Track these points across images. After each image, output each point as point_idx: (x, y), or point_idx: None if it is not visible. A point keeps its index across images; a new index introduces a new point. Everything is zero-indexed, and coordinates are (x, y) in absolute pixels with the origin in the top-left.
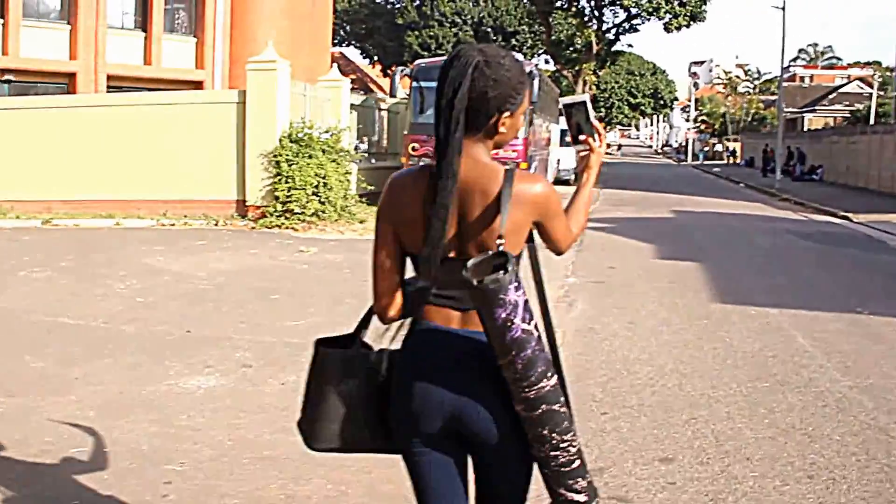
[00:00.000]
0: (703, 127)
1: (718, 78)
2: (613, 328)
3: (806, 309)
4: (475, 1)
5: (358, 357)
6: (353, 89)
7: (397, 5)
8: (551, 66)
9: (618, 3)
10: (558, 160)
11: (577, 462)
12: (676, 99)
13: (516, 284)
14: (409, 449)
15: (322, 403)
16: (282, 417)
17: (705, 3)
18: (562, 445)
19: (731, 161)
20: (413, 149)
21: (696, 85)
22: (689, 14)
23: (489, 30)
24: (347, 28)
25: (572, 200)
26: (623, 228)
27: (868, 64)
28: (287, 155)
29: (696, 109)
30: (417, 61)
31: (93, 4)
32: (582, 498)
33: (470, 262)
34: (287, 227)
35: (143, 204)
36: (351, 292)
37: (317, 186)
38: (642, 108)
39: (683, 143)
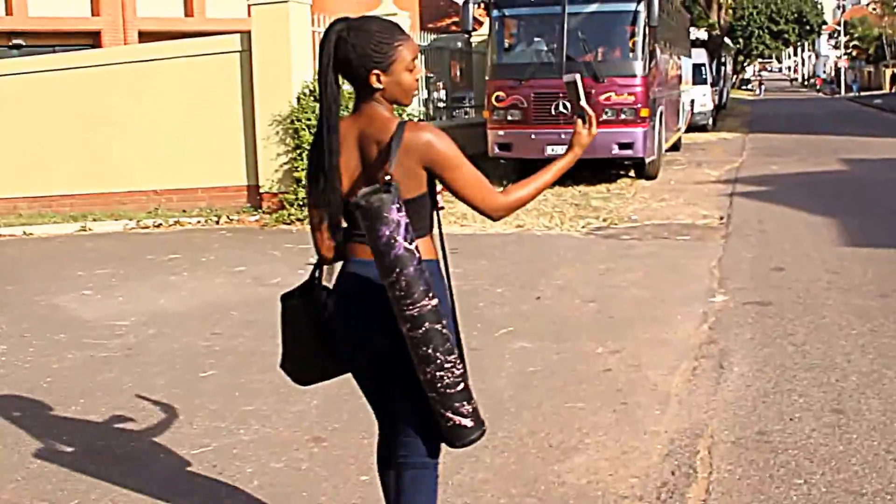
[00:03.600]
0: (855, 53)
1: None
2: (806, 432)
3: None
4: None
5: (314, 302)
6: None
7: None
8: None
9: None
10: (692, 101)
11: (462, 385)
12: (825, 23)
13: (398, 206)
14: (350, 367)
15: (295, 347)
16: None
17: None
18: (446, 366)
19: (893, 90)
20: (497, 99)
21: (841, 7)
22: None
23: None
24: None
25: (541, 170)
26: (783, 190)
27: None
28: (308, 118)
29: (847, 34)
30: None
31: None
32: (468, 422)
33: (361, 191)
34: None
35: (130, 197)
36: None
37: None
38: (785, 35)
39: (833, 73)
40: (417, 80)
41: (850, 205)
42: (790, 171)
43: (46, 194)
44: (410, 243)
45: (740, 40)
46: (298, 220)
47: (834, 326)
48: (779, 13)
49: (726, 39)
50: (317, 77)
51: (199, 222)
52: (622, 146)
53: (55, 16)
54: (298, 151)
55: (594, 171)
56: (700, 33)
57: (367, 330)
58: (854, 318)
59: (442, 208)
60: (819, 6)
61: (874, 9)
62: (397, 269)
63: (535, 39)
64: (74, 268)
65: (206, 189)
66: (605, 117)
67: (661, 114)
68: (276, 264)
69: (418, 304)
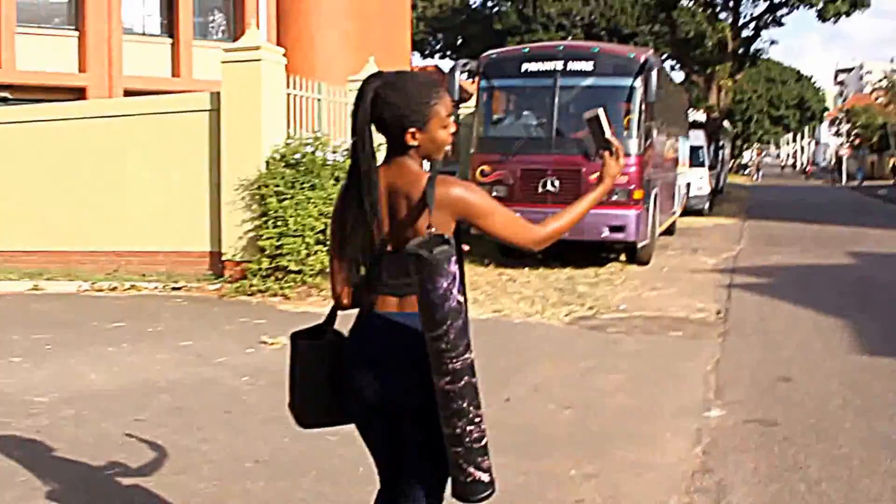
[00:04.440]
0: (857, 142)
1: (875, 84)
2: None
3: None
4: (584, 0)
5: (326, 345)
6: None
7: (495, 9)
8: (678, 73)
9: None
10: (688, 184)
11: (485, 440)
12: (827, 109)
13: (455, 258)
14: (357, 421)
15: (302, 387)
16: None
17: None
18: (476, 420)
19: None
20: (482, 173)
21: (843, 95)
22: None
23: (602, 32)
24: (440, 37)
25: (574, 202)
26: (787, 284)
27: None
28: (277, 185)
29: (849, 121)
30: (486, 53)
31: (104, 7)
32: (486, 477)
33: (412, 242)
34: (277, 293)
35: (90, 257)
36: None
37: (323, 231)
38: (785, 121)
39: (834, 161)
40: (452, 135)
41: (863, 304)
42: (793, 263)
43: (5, 249)
44: (462, 295)
45: (739, 124)
46: (260, 291)
47: (855, 460)
48: (780, 98)
49: (725, 122)
50: (352, 133)
51: (156, 288)
52: (613, 229)
53: (43, 70)
54: (264, 219)
55: (583, 253)
56: (699, 115)
57: (395, 385)
58: (879, 450)
59: (468, 249)
60: (821, 93)
61: (878, 97)
62: (448, 322)
63: (525, 113)
64: (12, 330)
65: (167, 253)
66: None
67: (656, 196)
68: (225, 340)
69: (461, 358)
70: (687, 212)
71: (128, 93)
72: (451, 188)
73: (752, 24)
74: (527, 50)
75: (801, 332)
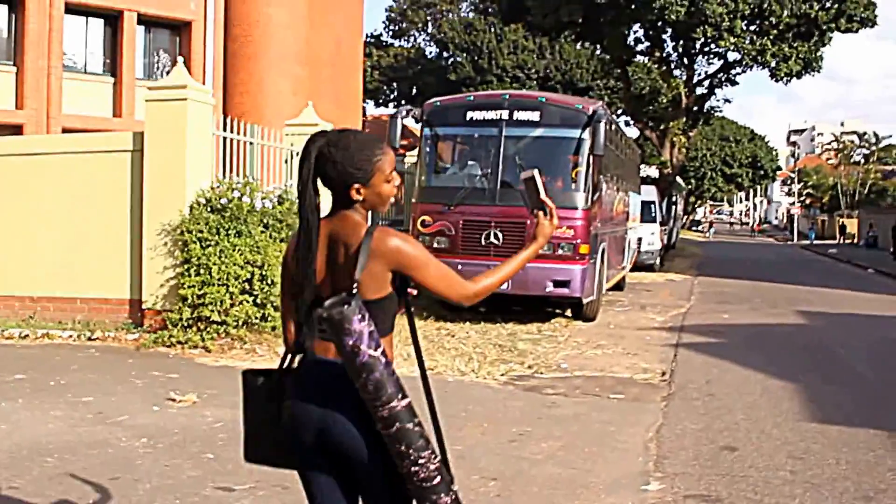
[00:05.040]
0: (808, 201)
1: (826, 145)
2: None
3: None
4: (540, 54)
5: (273, 384)
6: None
7: (450, 60)
8: (633, 129)
9: (712, 47)
10: (639, 239)
11: (438, 479)
12: (780, 168)
13: (360, 316)
14: (297, 465)
15: (250, 423)
16: None
17: (822, 47)
18: (420, 461)
19: (846, 241)
20: (423, 224)
21: (795, 155)
22: (802, 59)
23: (557, 85)
24: (395, 86)
25: (508, 259)
26: (735, 344)
27: None
28: (200, 231)
29: (800, 181)
30: (430, 100)
31: (44, 42)
32: None
33: (327, 302)
34: (198, 346)
35: (4, 302)
36: None
37: (249, 280)
38: (738, 179)
39: (786, 220)
40: (395, 188)
41: (812, 367)
42: (742, 322)
43: None
44: (376, 350)
45: (693, 180)
46: (180, 342)
47: None
48: (733, 157)
49: (678, 178)
50: (297, 187)
51: (70, 336)
52: (557, 284)
53: None
54: (187, 266)
55: (528, 307)
56: (651, 170)
57: (337, 426)
58: None
59: (416, 296)
60: (774, 152)
61: (828, 158)
62: (363, 374)
63: (469, 163)
64: None
65: (85, 300)
66: (540, 252)
67: (604, 251)
68: (131, 396)
69: (388, 405)
70: (637, 267)
71: (66, 131)
72: (387, 239)
73: (707, 82)
74: (471, 98)
75: (749, 396)
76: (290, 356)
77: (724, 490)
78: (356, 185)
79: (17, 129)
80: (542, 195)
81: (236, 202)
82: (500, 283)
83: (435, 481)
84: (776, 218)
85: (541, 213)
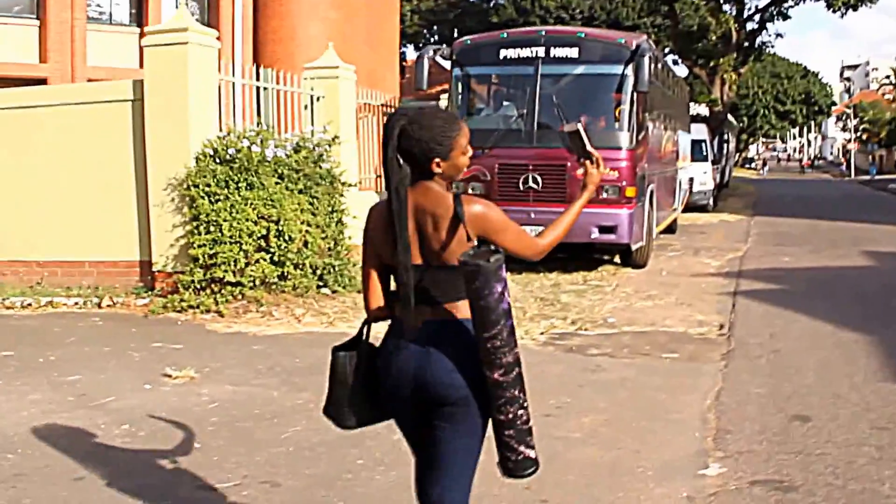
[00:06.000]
0: (865, 136)
1: (882, 80)
2: None
3: None
4: None
5: (360, 354)
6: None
7: (492, 2)
8: (682, 67)
9: None
10: (691, 179)
11: (531, 421)
12: (834, 104)
13: (503, 267)
14: (396, 417)
15: (339, 394)
16: None
17: None
18: (525, 405)
19: None
20: None
21: (849, 91)
22: None
23: (602, 24)
24: (435, 30)
25: (563, 213)
26: (799, 292)
27: None
28: (207, 185)
29: (856, 116)
30: (460, 39)
31: None
32: (533, 454)
33: (466, 254)
34: (211, 310)
35: (11, 267)
36: None
37: (265, 237)
38: (792, 116)
39: (842, 156)
40: (470, 158)
41: (888, 316)
42: (805, 265)
43: None
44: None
45: (744, 118)
46: (192, 307)
47: None
48: (786, 93)
49: (729, 116)
50: (383, 163)
51: (76, 304)
52: (603, 230)
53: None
54: (196, 224)
55: (572, 256)
56: (701, 109)
57: (440, 380)
58: None
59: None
60: (828, 88)
61: (885, 93)
62: (504, 320)
63: (504, 103)
64: None
65: (94, 263)
66: None
67: (652, 193)
68: (124, 373)
69: (513, 351)
70: (690, 208)
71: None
72: (473, 206)
73: (757, 17)
74: (505, 35)
75: (819, 352)
76: (368, 325)
77: (797, 473)
78: (436, 160)
79: (41, 83)
80: (588, 147)
81: (245, 152)
82: (563, 236)
83: (531, 423)
84: (831, 154)
85: (587, 161)
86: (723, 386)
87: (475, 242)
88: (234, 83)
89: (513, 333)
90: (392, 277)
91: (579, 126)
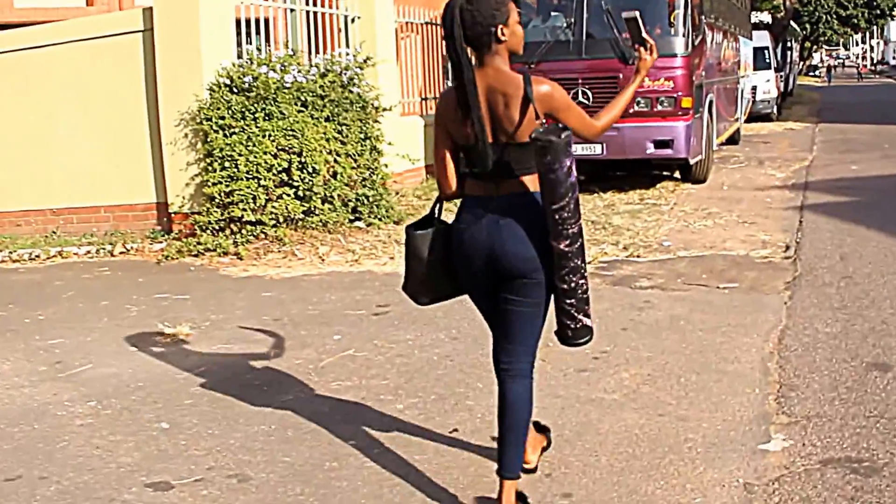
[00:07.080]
0: None
1: None
2: None
3: None
4: None
5: (433, 232)
6: None
7: None
8: None
9: None
10: (753, 88)
11: (590, 292)
12: None
13: (571, 143)
14: (469, 289)
15: (416, 271)
16: None
17: None
18: (585, 275)
19: None
20: None
21: None
22: None
23: None
24: None
25: (617, 95)
26: (871, 203)
27: None
28: (221, 117)
29: None
30: None
31: None
32: (590, 322)
33: (537, 131)
34: (230, 252)
35: (25, 217)
36: None
37: (287, 170)
38: (854, 20)
39: None
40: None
41: None
42: (875, 174)
43: None
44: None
45: (807, 25)
46: (209, 250)
47: None
48: None
49: (792, 23)
50: (448, 49)
51: (87, 253)
52: (659, 144)
53: (44, 7)
54: (210, 160)
55: (630, 173)
56: (763, 16)
57: (515, 252)
58: None
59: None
60: None
61: None
62: (570, 194)
63: (552, 14)
64: None
65: (109, 208)
66: (636, 108)
67: (712, 103)
68: (112, 334)
69: (578, 223)
70: (753, 117)
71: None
72: (541, 86)
73: None
74: None
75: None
76: (441, 203)
77: (879, 446)
78: (500, 26)
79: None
80: (644, 34)
81: (262, 79)
82: (618, 117)
83: (589, 293)
84: (893, 58)
85: (641, 48)
86: (787, 324)
87: (542, 120)
88: (254, 5)
89: (578, 206)
90: (462, 157)
91: (636, 14)
